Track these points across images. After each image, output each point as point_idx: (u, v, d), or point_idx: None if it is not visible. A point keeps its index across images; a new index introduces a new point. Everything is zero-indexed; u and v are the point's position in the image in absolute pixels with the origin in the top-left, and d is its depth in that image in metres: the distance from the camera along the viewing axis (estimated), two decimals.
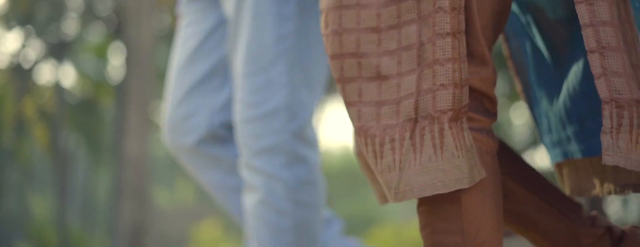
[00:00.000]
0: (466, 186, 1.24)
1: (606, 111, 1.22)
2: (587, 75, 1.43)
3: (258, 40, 1.97)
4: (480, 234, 1.29)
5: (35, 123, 14.53)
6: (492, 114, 1.34)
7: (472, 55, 1.30)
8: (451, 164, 1.24)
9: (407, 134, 1.25)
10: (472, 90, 1.31)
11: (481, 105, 1.33)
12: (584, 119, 1.45)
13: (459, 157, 1.24)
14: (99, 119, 15.45)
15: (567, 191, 1.52)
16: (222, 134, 2.12)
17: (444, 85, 1.24)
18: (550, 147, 1.52)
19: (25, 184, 15.85)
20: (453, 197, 1.28)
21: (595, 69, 1.24)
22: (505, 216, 1.41)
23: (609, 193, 1.42)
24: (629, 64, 1.25)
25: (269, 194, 1.99)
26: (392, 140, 1.25)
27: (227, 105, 2.12)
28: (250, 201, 2.02)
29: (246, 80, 1.99)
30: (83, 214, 16.69)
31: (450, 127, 1.24)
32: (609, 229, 1.45)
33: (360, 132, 1.28)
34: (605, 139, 1.21)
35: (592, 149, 1.44)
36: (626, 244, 1.43)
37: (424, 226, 1.31)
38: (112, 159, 15.46)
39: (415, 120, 1.25)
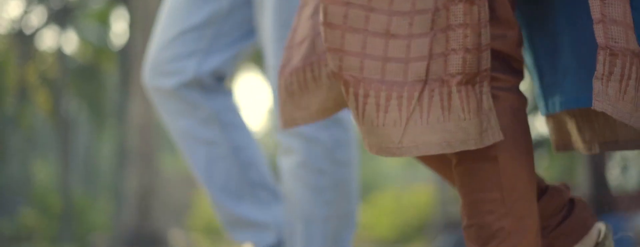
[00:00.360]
0: (472, 148, 1.28)
1: (600, 57, 1.24)
2: (553, 31, 1.44)
3: (286, 5, 1.99)
4: (517, 190, 1.34)
5: (38, 89, 14.57)
6: (519, 73, 1.38)
7: (498, 19, 1.34)
8: (457, 126, 1.27)
9: (416, 94, 1.28)
10: (499, 53, 1.34)
11: (508, 66, 1.36)
12: (543, 75, 1.47)
13: (465, 119, 1.27)
14: (101, 85, 15.48)
15: (552, 145, 1.57)
16: (208, 83, 2.10)
17: (454, 50, 1.27)
18: (538, 100, 1.56)
19: (28, 149, 15.91)
20: (490, 155, 1.33)
21: (595, 15, 1.25)
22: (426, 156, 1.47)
23: (584, 150, 1.45)
24: (630, 13, 1.27)
25: (308, 156, 2.04)
26: (400, 97, 1.28)
27: (221, 56, 2.11)
28: (288, 163, 2.08)
29: (277, 46, 2.00)
30: (86, 179, 16.77)
31: (459, 90, 1.27)
32: None
33: (360, 83, 1.30)
34: (596, 85, 1.23)
35: (550, 106, 1.46)
36: (546, 199, 1.45)
37: (462, 185, 1.37)
38: (114, 125, 15.51)
39: (426, 82, 1.28)
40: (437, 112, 1.28)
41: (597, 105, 1.23)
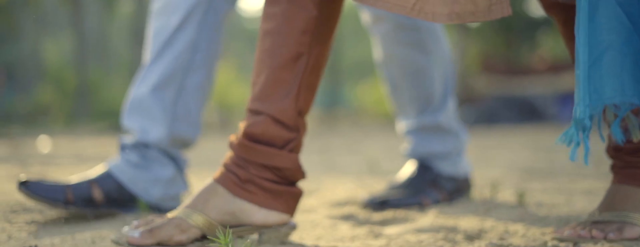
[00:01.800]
0: (480, 20, 1.42)
1: None
2: None
3: None
4: None
5: None
6: None
7: None
8: None
9: None
10: None
11: None
12: None
13: None
14: None
15: None
16: None
17: None
18: None
19: (38, 28, 15.94)
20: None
21: None
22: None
23: None
24: None
25: (399, 17, 2.21)
26: None
27: None
28: (383, 29, 2.25)
29: None
30: (99, 56, 16.87)
31: None
32: None
33: None
34: None
35: None
36: None
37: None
38: (126, 0, 15.51)
39: None
40: None
41: None
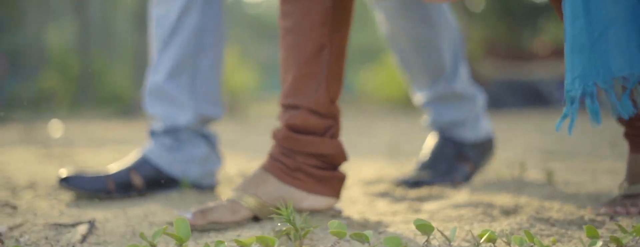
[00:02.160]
0: None
1: None
2: None
3: None
4: None
5: None
6: None
7: None
8: None
9: None
10: None
11: None
12: None
13: None
14: None
15: None
16: None
17: None
18: None
19: (41, 15, 15.93)
20: None
21: None
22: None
23: None
24: None
25: None
26: None
27: None
28: (388, 6, 2.30)
29: None
30: (103, 42, 16.86)
31: None
32: None
33: None
34: None
35: None
36: None
37: None
38: None
39: None
40: None
41: None
